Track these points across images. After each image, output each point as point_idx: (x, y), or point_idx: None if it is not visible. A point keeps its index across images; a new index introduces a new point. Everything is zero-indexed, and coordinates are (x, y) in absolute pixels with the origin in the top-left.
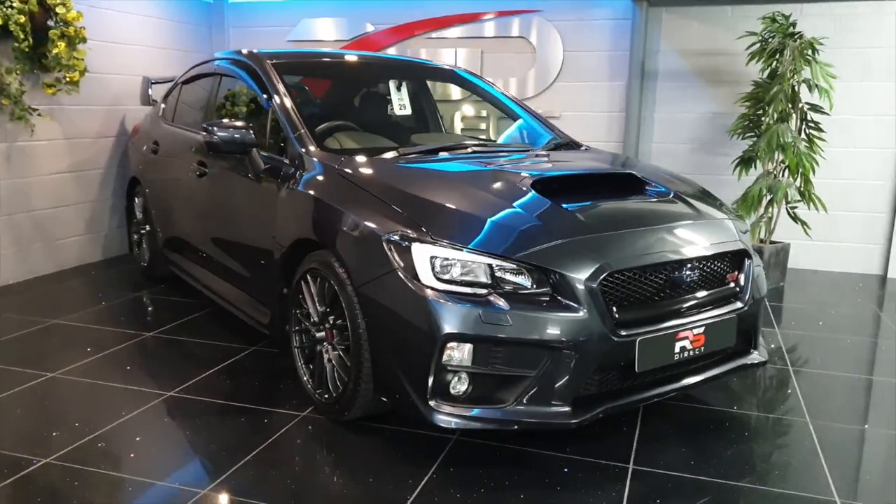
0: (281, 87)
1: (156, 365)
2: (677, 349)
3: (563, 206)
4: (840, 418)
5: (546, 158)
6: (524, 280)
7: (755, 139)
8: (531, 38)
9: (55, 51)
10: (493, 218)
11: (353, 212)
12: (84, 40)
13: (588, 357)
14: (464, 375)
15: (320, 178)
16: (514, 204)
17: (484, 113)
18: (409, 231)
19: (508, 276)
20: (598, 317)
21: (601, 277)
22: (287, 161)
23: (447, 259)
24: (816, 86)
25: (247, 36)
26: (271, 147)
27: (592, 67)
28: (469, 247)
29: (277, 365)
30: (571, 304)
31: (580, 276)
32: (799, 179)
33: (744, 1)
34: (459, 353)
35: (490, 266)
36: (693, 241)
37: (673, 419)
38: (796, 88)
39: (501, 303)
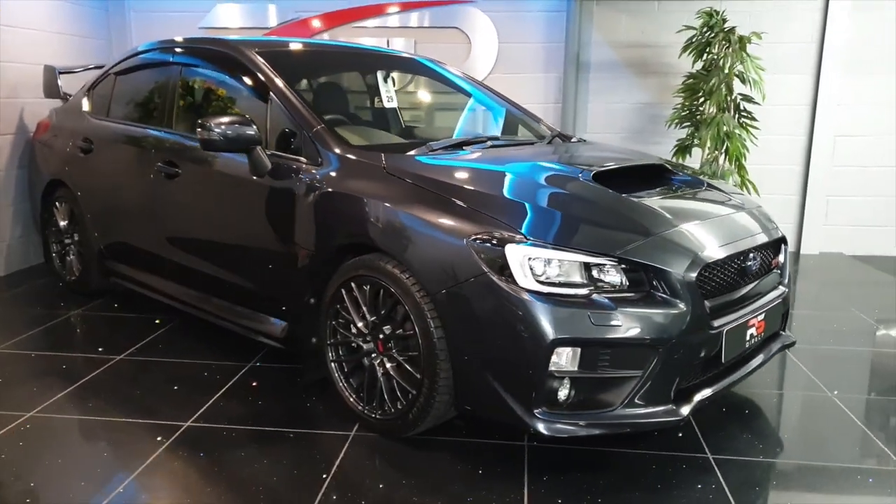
0: (279, 81)
1: (150, 393)
2: (748, 336)
3: (635, 199)
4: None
5: (569, 151)
6: (620, 278)
7: (691, 128)
8: (466, 28)
9: None
10: (580, 214)
11: (421, 214)
12: None
13: (690, 351)
14: (567, 381)
15: (362, 177)
16: (592, 199)
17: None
18: (498, 232)
19: (605, 275)
20: (696, 310)
21: (698, 270)
22: (304, 160)
23: (545, 259)
24: (749, 78)
25: (150, 21)
26: (270, 145)
27: (527, 59)
28: (566, 245)
29: (290, 381)
30: (671, 299)
31: (678, 271)
32: (733, 165)
33: None
34: (566, 358)
35: (587, 265)
36: (753, 229)
37: (712, 406)
38: (730, 81)
39: (607, 303)
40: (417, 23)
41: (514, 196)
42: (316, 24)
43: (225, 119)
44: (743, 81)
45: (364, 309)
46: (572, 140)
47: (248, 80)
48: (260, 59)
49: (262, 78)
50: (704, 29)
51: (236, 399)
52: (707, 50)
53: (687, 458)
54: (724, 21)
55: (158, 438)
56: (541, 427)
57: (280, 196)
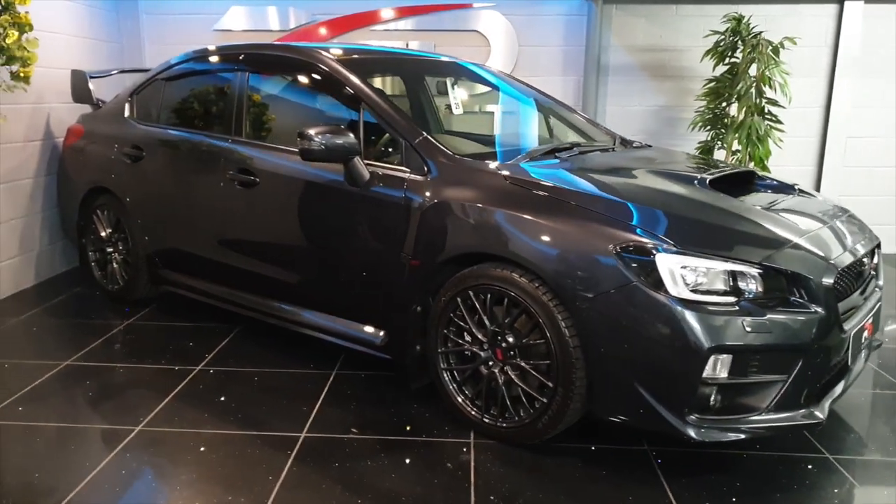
0: (371, 91)
1: (248, 404)
2: (863, 339)
3: (756, 206)
4: None
5: (663, 156)
6: (761, 284)
7: (713, 131)
8: (485, 31)
9: (8, 41)
10: (716, 222)
11: (555, 223)
12: (31, 27)
13: (827, 355)
14: (715, 387)
15: (478, 187)
16: (720, 206)
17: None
18: (643, 240)
19: (748, 282)
20: (833, 315)
21: (834, 275)
22: (407, 170)
23: (695, 268)
24: (776, 82)
25: (162, 24)
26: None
27: (546, 62)
28: (713, 253)
29: (382, 387)
30: (811, 304)
31: (817, 277)
32: (756, 166)
33: (687, 0)
34: (718, 366)
35: (732, 272)
36: (862, 234)
37: None
38: (760, 85)
39: (757, 310)
40: (437, 26)
41: (647, 204)
42: (333, 27)
43: (325, 129)
44: (769, 86)
45: (483, 317)
46: (638, 144)
47: (332, 90)
48: (343, 68)
49: (352, 88)
50: (729, 34)
51: (339, 407)
52: (728, 54)
53: (809, 458)
54: (750, 27)
55: (287, 452)
56: (693, 433)
57: (382, 206)
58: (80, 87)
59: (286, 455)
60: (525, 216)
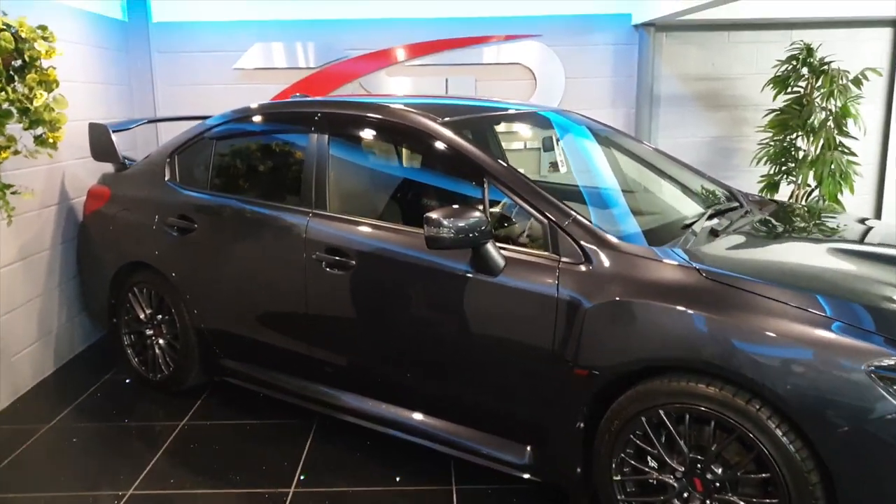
0: (498, 164)
1: None
2: None
3: None
4: None
5: (804, 221)
6: None
7: (778, 165)
8: (530, 64)
9: (36, 103)
10: None
11: (782, 333)
12: (57, 84)
13: None
14: None
15: (671, 284)
16: None
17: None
18: None
19: None
20: None
21: None
22: (556, 257)
23: None
24: (850, 114)
25: (176, 64)
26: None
27: (595, 94)
28: None
29: None
30: None
31: None
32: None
33: (741, 27)
34: None
35: None
36: None
37: None
38: (839, 118)
39: None
40: (477, 59)
41: (868, 301)
42: (366, 63)
43: (453, 211)
44: (854, 120)
45: (679, 441)
46: (755, 198)
47: (442, 160)
48: (454, 135)
49: (472, 159)
50: (795, 63)
51: None
52: (791, 83)
53: None
54: (813, 53)
55: None
56: None
57: (525, 300)
58: (102, 144)
59: None
60: (736, 323)
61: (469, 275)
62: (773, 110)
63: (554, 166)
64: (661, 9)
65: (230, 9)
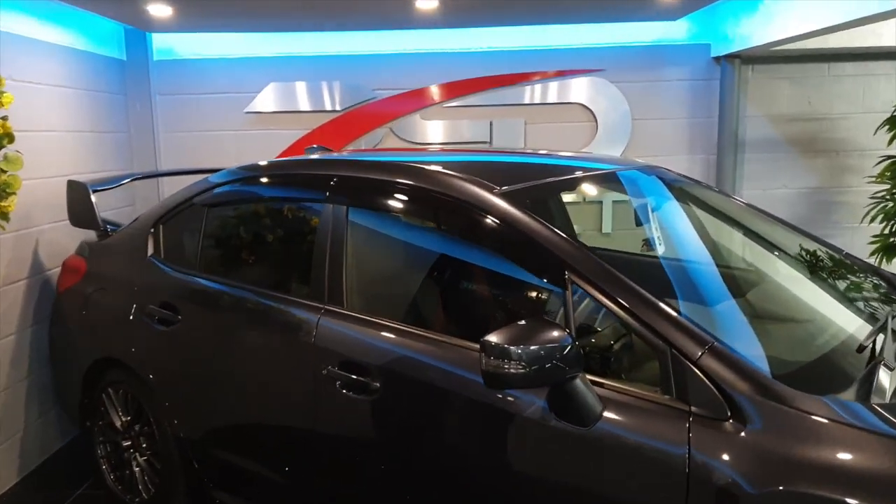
0: (584, 255)
1: None
2: None
3: None
4: None
5: None
6: None
7: None
8: (590, 103)
9: None
10: None
11: None
12: (12, 139)
13: None
14: None
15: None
16: None
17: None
18: None
19: None
20: None
21: None
22: (686, 405)
23: None
24: None
25: (180, 108)
26: None
27: (668, 138)
28: None
29: None
30: None
31: None
32: None
33: (844, 58)
34: None
35: None
36: None
37: None
38: None
39: None
40: (528, 99)
41: None
42: (397, 105)
43: (523, 331)
44: None
45: None
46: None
47: (504, 245)
48: (520, 212)
49: (550, 248)
50: None
51: None
52: None
53: None
54: None
55: None
56: None
57: (636, 465)
58: (79, 205)
59: None
60: None
61: (545, 421)
62: (889, 157)
63: (647, 244)
64: (748, 38)
65: (242, 43)
